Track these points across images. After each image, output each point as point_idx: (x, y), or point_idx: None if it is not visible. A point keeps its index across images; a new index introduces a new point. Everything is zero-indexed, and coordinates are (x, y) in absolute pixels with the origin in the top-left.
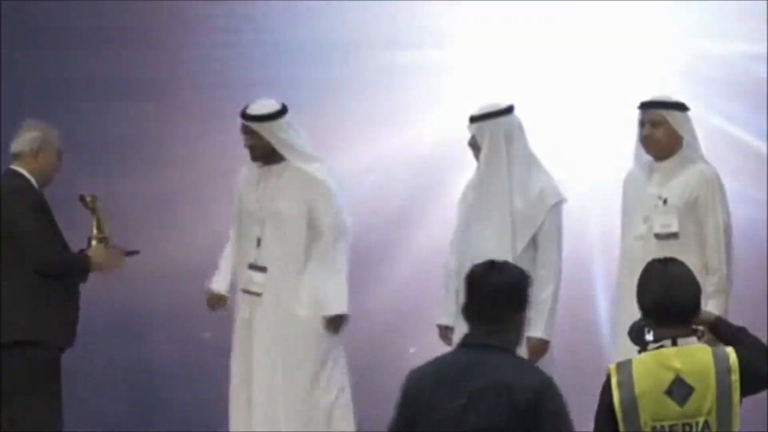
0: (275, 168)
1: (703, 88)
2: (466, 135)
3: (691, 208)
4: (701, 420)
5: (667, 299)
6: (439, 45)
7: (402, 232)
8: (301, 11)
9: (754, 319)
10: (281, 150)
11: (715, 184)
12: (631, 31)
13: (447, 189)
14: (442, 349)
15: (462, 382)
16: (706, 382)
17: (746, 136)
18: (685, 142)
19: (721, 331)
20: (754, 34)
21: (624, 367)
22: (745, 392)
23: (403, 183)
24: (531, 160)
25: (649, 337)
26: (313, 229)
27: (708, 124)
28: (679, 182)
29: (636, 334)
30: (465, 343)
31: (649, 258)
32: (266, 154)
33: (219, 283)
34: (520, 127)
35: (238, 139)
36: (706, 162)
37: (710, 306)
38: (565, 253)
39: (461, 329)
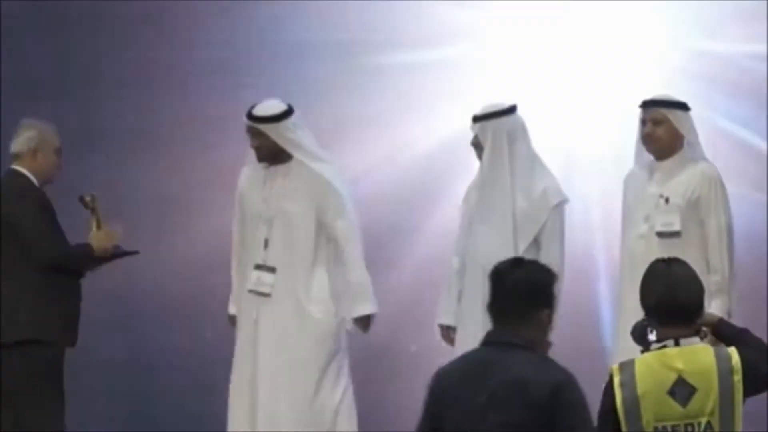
0: (281, 168)
1: (703, 87)
2: (469, 135)
3: (693, 207)
4: (704, 420)
5: (670, 299)
6: (441, 45)
7: (403, 231)
8: (302, 11)
9: (754, 319)
10: (290, 150)
11: (716, 183)
12: (632, 31)
13: (449, 189)
14: (443, 348)
15: (483, 380)
16: (709, 383)
17: (747, 135)
18: (686, 141)
19: (723, 333)
20: (755, 33)
21: (627, 367)
22: (747, 393)
23: (404, 183)
24: (534, 160)
25: (652, 337)
26: (322, 228)
27: (708, 124)
28: (680, 181)
29: (639, 334)
30: (487, 340)
31: (651, 257)
32: (272, 155)
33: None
34: (522, 126)
35: (238, 140)
36: (707, 161)
37: (713, 305)
38: (567, 252)
39: (463, 329)
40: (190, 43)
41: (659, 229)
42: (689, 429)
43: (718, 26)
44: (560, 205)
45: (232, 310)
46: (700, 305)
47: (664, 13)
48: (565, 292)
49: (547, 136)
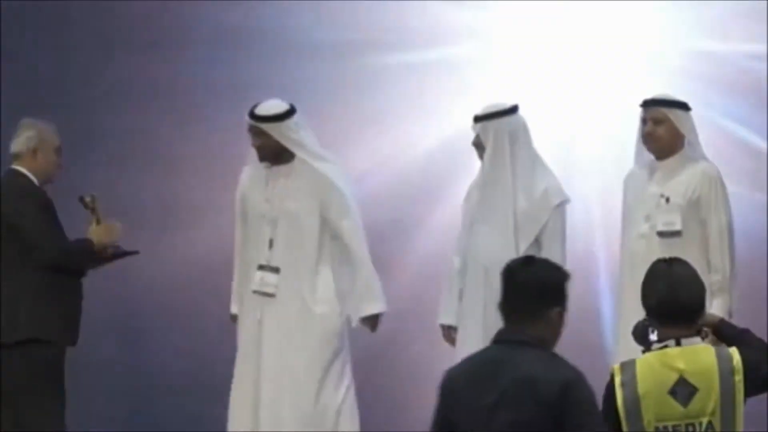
0: (283, 168)
1: (703, 87)
2: (471, 135)
3: (694, 206)
4: (705, 420)
5: (671, 299)
6: (443, 45)
7: (405, 231)
8: (303, 11)
9: (754, 319)
10: (293, 149)
11: (717, 182)
12: (633, 31)
13: (450, 189)
14: (444, 348)
15: (492, 379)
16: (710, 383)
17: (746, 135)
18: (686, 141)
19: (724, 333)
20: (755, 33)
21: (627, 367)
22: (748, 393)
23: (405, 183)
24: (535, 160)
25: (653, 337)
26: (326, 227)
27: (708, 124)
28: (681, 180)
29: (640, 334)
30: (498, 338)
31: (652, 256)
32: (274, 155)
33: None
34: (524, 127)
35: (238, 140)
36: (707, 160)
37: (714, 304)
38: (568, 252)
39: (463, 328)
40: (191, 42)
41: (660, 228)
42: (690, 429)
43: (717, 26)
44: (561, 205)
45: (234, 309)
46: (701, 305)
47: (664, 13)
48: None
49: (547, 136)
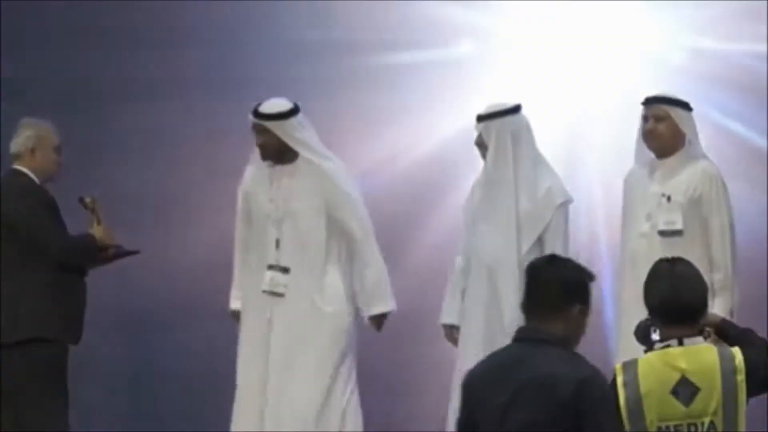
0: (287, 168)
1: (704, 86)
2: (473, 134)
3: (695, 205)
4: (707, 420)
5: (674, 299)
6: (445, 44)
7: (407, 231)
8: (303, 11)
9: (754, 319)
10: (296, 148)
11: (718, 181)
12: (634, 30)
13: (452, 189)
14: (447, 348)
15: (510, 377)
16: (712, 383)
17: (747, 134)
18: (687, 139)
19: (726, 332)
20: (759, 32)
21: (630, 366)
22: (751, 393)
23: (408, 183)
24: (537, 160)
25: (656, 336)
26: (333, 226)
27: (709, 123)
28: (681, 179)
29: (642, 334)
30: (517, 337)
31: (653, 255)
32: (277, 153)
33: (239, 301)
34: (527, 126)
35: (239, 139)
36: (708, 159)
37: (716, 303)
38: (570, 252)
39: (466, 328)
40: (192, 42)
41: (661, 227)
42: (692, 429)
43: (720, 26)
44: (564, 205)
45: (233, 305)
46: (704, 305)
47: (666, 13)
48: None
49: (550, 135)
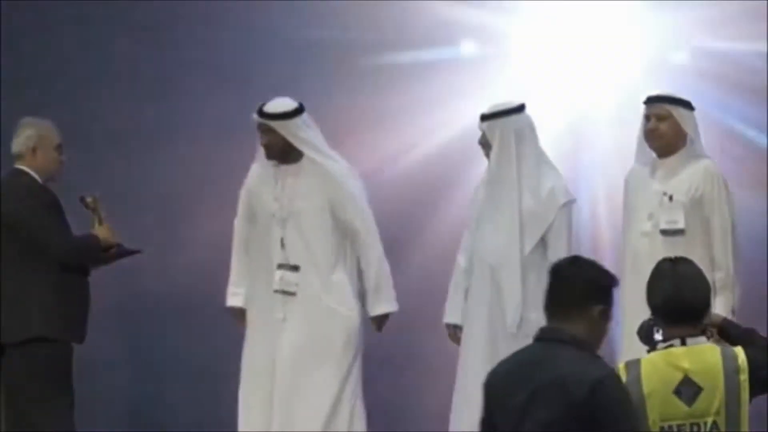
0: (292, 168)
1: (707, 85)
2: (477, 133)
3: (697, 205)
4: (709, 420)
5: (677, 299)
6: (447, 44)
7: (410, 230)
8: (304, 11)
9: (754, 319)
10: (301, 147)
11: (719, 180)
12: (636, 30)
13: (454, 189)
14: (450, 347)
15: (528, 377)
16: (715, 382)
17: (749, 133)
18: (689, 138)
19: (729, 332)
20: (761, 32)
21: (632, 366)
22: (754, 392)
23: (411, 182)
24: (541, 159)
25: (659, 336)
26: (338, 225)
27: (711, 122)
28: (683, 178)
29: (645, 334)
30: (539, 336)
31: (655, 254)
32: (282, 153)
33: (237, 297)
34: (530, 126)
35: (242, 139)
36: (709, 158)
37: (717, 302)
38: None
39: (468, 327)
40: (194, 43)
41: (663, 226)
42: (695, 428)
43: (722, 25)
44: (568, 205)
45: (231, 302)
46: (706, 304)
47: (669, 13)
48: None
49: (551, 134)
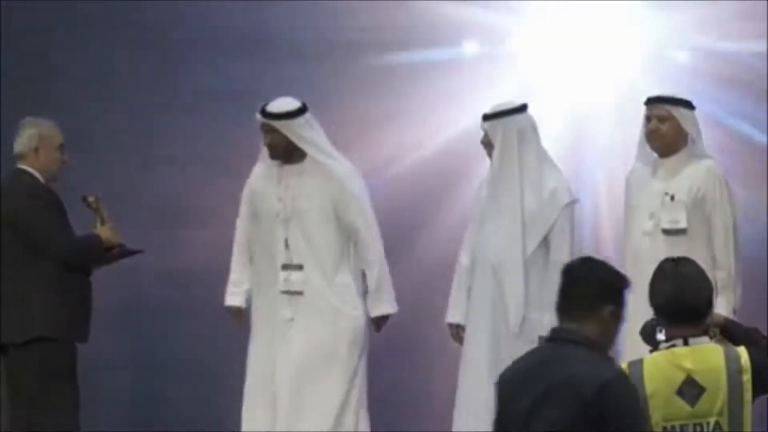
0: (295, 168)
1: (708, 85)
2: (479, 133)
3: (699, 204)
4: (712, 420)
5: (679, 299)
6: (448, 44)
7: (412, 230)
8: (305, 11)
9: (754, 319)
10: (304, 147)
11: (721, 180)
12: (637, 30)
13: (459, 188)
14: (453, 347)
15: (539, 377)
16: (718, 383)
17: (750, 132)
18: (690, 138)
19: (731, 332)
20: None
21: (635, 366)
22: (756, 392)
23: (414, 182)
24: (543, 159)
25: (661, 336)
26: (341, 225)
27: (712, 122)
28: (684, 178)
29: (648, 334)
30: (550, 337)
31: (657, 254)
32: (285, 153)
33: (237, 296)
34: (532, 125)
35: (240, 140)
36: (710, 158)
37: (719, 302)
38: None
39: (471, 326)
40: (193, 43)
41: (665, 226)
42: (698, 429)
43: (723, 25)
44: (570, 205)
45: (230, 301)
46: (709, 305)
47: (668, 12)
48: None
49: (554, 132)
